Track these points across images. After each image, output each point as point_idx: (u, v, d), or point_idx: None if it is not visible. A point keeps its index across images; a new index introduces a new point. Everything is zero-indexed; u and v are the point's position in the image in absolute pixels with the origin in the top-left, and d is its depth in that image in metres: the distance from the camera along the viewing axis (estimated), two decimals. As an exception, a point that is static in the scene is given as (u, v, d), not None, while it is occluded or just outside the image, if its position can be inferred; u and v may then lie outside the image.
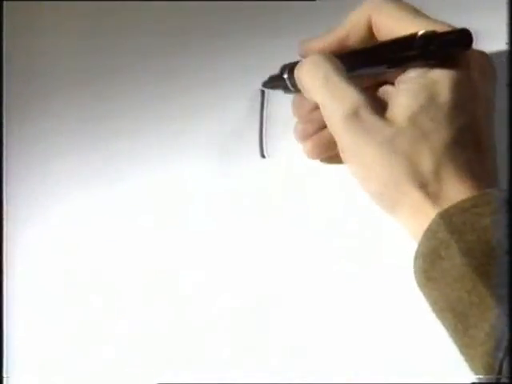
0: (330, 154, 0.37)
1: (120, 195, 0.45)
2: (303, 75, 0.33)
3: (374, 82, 0.34)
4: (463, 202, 0.28)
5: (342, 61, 0.33)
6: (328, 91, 0.31)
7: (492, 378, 0.25)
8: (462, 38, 0.29)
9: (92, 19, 0.50)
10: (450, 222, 0.27)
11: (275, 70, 0.41)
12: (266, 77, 0.44)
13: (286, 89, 0.38)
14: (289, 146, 0.45)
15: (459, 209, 0.27)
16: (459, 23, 0.42)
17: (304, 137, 0.37)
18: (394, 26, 0.31)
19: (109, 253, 0.43)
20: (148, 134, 0.47)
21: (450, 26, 0.31)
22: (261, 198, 0.43)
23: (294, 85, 0.36)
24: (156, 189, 0.45)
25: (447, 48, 0.29)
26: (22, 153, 0.47)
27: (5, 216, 0.44)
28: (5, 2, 0.47)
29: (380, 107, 0.30)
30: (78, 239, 0.44)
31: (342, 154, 0.32)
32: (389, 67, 0.32)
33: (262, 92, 0.44)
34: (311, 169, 0.42)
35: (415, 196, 0.29)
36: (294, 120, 0.41)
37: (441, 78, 0.29)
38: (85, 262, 0.43)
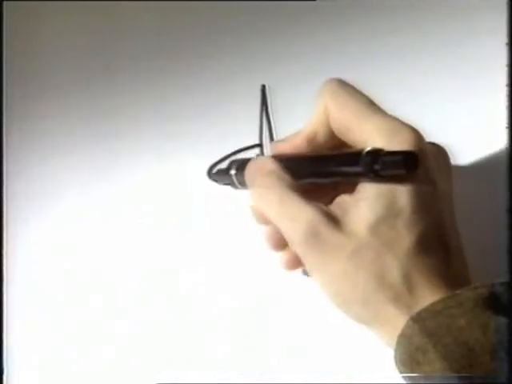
0: None
1: (120, 195, 0.45)
2: (258, 202, 0.32)
3: (335, 184, 0.33)
4: (434, 304, 0.27)
5: (297, 167, 0.32)
6: (284, 213, 0.30)
7: None
8: (408, 160, 0.27)
9: (92, 19, 0.50)
10: (424, 325, 0.27)
11: (275, 70, 0.41)
12: (265, 77, 0.44)
13: (232, 184, 0.37)
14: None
15: (431, 312, 0.27)
16: (459, 23, 0.42)
17: (276, 246, 0.34)
18: (348, 119, 0.30)
19: (109, 252, 0.43)
20: (148, 133, 0.47)
21: (403, 123, 0.29)
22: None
23: (242, 182, 0.35)
24: (156, 188, 0.45)
25: (391, 169, 0.27)
26: (22, 152, 0.47)
27: (5, 216, 0.44)
28: (5, 2, 0.47)
29: (339, 221, 0.29)
30: (78, 239, 0.44)
31: (309, 272, 0.31)
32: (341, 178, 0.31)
33: (263, 91, 0.44)
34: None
35: (388, 311, 0.28)
36: (295, 120, 0.41)
37: (398, 183, 0.28)
38: (84, 262, 0.43)
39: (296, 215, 0.30)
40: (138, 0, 0.48)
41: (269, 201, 0.31)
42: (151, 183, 0.45)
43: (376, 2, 0.47)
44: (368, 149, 0.28)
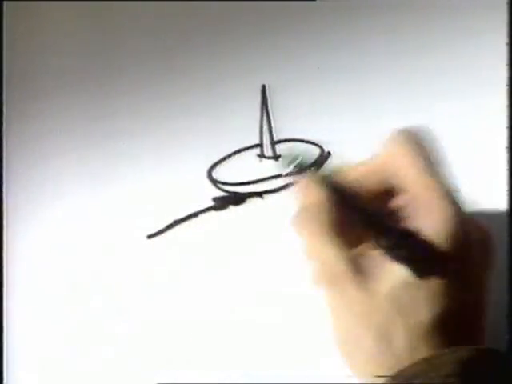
0: None
1: (120, 195, 0.45)
2: (301, 231, 0.31)
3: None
4: (412, 366, 0.27)
5: (347, 205, 0.30)
6: (312, 248, 0.31)
7: None
8: (422, 265, 0.27)
9: (92, 19, 0.50)
10: None
11: (275, 70, 0.41)
12: (265, 77, 0.44)
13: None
14: (289, 145, 0.45)
15: (409, 374, 0.27)
16: (459, 23, 0.42)
17: None
18: (410, 171, 0.30)
19: (109, 252, 0.43)
20: (148, 133, 0.47)
21: (450, 198, 0.29)
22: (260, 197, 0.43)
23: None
24: (156, 188, 0.45)
25: (406, 263, 0.28)
26: (22, 153, 0.47)
27: (5, 216, 0.44)
28: (5, 2, 0.47)
29: (364, 275, 0.29)
30: (78, 239, 0.44)
31: (327, 307, 0.31)
32: None
33: (263, 91, 0.44)
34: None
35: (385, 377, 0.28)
36: (295, 120, 0.41)
37: None
38: (85, 262, 0.43)
39: (321, 255, 0.30)
40: (138, 0, 0.48)
41: (308, 233, 0.31)
42: (151, 183, 0.45)
43: (376, 2, 0.47)
44: (402, 228, 0.28)
